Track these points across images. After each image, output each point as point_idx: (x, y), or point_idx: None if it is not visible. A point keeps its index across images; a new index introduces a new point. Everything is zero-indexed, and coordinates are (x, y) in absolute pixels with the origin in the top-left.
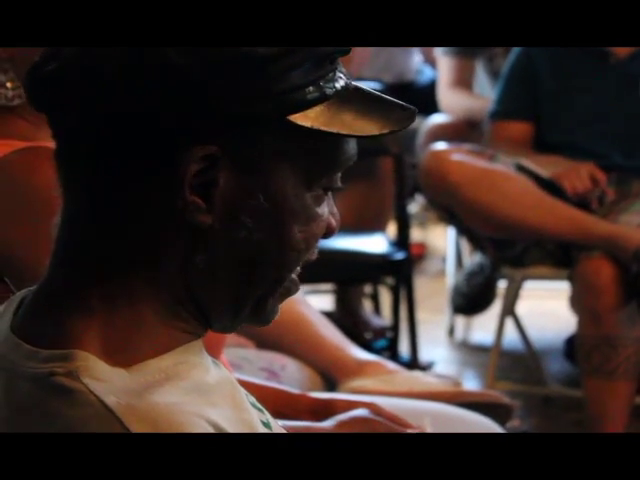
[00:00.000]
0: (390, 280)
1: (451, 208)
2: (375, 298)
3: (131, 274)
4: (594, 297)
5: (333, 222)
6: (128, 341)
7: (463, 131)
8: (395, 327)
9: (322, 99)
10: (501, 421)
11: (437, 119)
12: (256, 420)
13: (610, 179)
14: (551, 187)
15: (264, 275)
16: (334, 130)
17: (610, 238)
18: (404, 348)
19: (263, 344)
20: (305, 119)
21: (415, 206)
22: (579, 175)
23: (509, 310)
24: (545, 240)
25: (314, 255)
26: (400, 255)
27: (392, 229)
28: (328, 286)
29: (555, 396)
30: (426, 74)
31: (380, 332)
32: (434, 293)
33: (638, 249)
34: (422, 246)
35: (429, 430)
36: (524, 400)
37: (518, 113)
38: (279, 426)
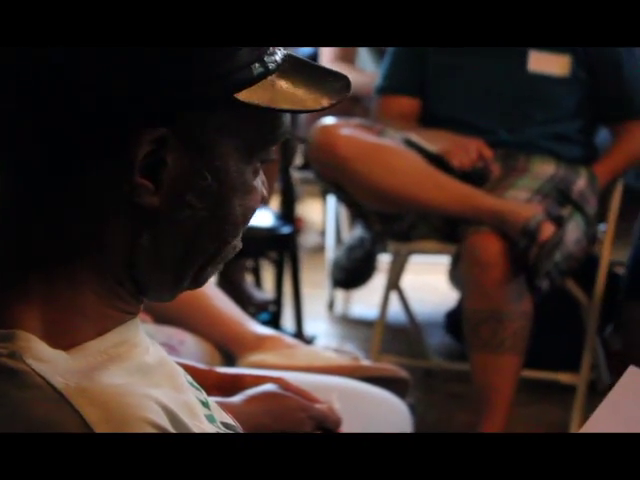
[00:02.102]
0: (274, 254)
1: (339, 182)
2: (256, 272)
3: (72, 256)
4: (482, 272)
5: (265, 192)
6: (68, 323)
7: (346, 106)
8: (278, 301)
9: (266, 74)
10: (400, 394)
11: None
12: (194, 400)
13: (496, 155)
14: (439, 162)
15: (204, 249)
16: (283, 107)
17: (498, 213)
18: (286, 322)
19: (161, 319)
20: (251, 96)
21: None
22: (466, 150)
23: (394, 284)
24: (433, 215)
25: (248, 224)
26: (286, 229)
27: (274, 203)
28: None
29: (436, 369)
30: (302, 49)
31: (263, 306)
32: (312, 267)
33: (525, 224)
34: (299, 220)
35: (337, 405)
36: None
37: (405, 88)
38: (215, 404)
